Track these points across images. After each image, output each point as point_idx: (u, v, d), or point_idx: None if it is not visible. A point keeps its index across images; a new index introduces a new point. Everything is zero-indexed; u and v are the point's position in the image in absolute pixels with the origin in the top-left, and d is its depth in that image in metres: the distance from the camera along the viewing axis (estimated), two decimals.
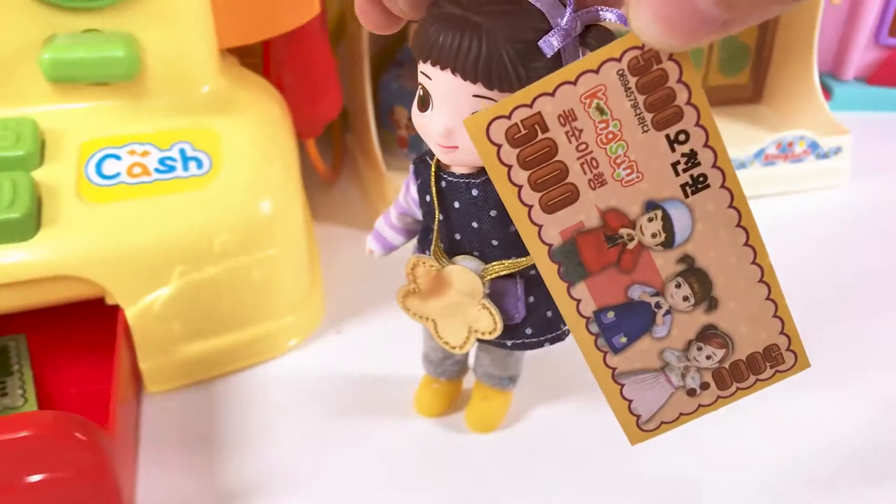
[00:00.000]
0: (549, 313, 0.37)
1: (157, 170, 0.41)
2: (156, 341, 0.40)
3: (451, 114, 0.32)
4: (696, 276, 0.32)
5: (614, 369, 0.33)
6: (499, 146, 0.29)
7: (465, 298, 0.36)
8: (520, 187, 0.30)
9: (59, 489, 0.32)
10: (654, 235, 0.31)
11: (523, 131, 0.29)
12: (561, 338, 0.38)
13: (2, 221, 0.37)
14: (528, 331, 0.37)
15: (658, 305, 0.32)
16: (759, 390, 0.35)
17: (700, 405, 0.34)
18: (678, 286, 0.32)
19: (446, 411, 0.43)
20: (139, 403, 0.42)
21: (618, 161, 0.30)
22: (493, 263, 0.35)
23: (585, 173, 0.30)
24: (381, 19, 0.32)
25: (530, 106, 0.29)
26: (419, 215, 0.37)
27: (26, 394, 0.39)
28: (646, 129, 0.30)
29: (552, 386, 0.44)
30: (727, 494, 0.39)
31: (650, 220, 0.31)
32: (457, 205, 0.34)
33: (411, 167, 0.36)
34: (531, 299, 0.36)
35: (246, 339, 0.44)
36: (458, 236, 0.35)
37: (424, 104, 0.32)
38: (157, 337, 0.41)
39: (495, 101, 0.31)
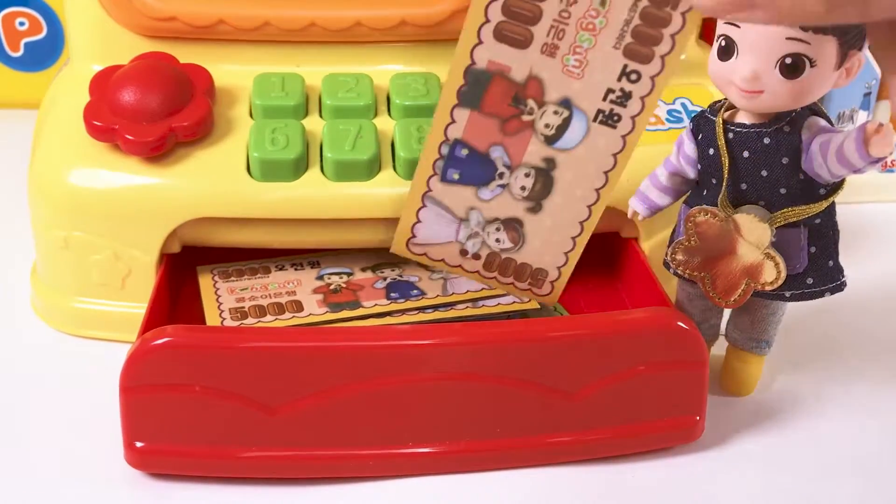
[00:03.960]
0: (831, 263, 0.38)
1: (668, 119, 0.47)
2: (659, 271, 0.45)
3: (760, 59, 0.34)
4: (544, 179, 0.34)
5: (429, 191, 0.36)
6: None
7: (750, 249, 0.37)
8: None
9: (662, 375, 0.37)
10: (547, 126, 0.33)
11: None
12: (840, 288, 0.39)
13: None
14: (809, 280, 0.38)
15: (500, 175, 0.35)
16: (505, 293, 0.39)
17: (461, 266, 0.38)
18: (527, 175, 0.34)
19: None
20: None
21: (577, 49, 0.32)
22: (780, 211, 0.37)
23: (548, 35, 0.32)
24: None
25: None
26: (691, 174, 0.39)
27: (557, 309, 0.44)
28: (617, 46, 0.31)
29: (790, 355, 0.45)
30: None
31: (555, 112, 0.33)
32: (746, 154, 0.37)
33: (688, 125, 0.39)
34: (813, 249, 0.38)
35: None
36: (744, 186, 0.37)
37: (728, 53, 0.35)
38: (660, 267, 0.45)
39: (808, 42, 0.34)
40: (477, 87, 0.33)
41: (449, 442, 0.37)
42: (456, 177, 0.36)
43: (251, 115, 0.45)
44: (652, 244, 0.46)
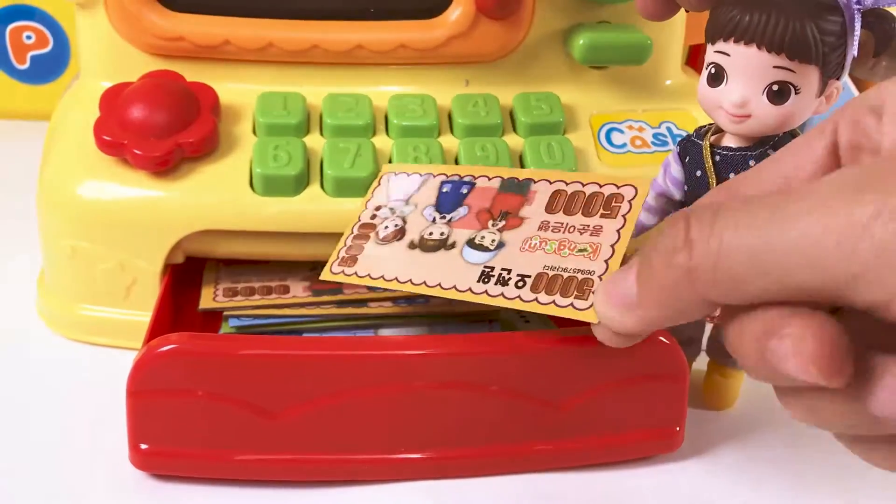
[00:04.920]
0: None
1: (653, 143, 0.48)
2: None
3: (749, 85, 0.36)
4: (438, 244, 0.40)
5: (433, 176, 0.43)
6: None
7: None
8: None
9: (644, 387, 0.39)
10: (482, 238, 0.39)
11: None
12: None
13: None
14: None
15: (443, 218, 0.41)
16: None
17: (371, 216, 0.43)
18: (442, 234, 0.40)
19: None
20: None
21: (542, 244, 0.37)
22: None
23: (555, 219, 0.38)
24: (661, 9, 0.38)
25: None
26: (677, 195, 0.41)
27: (548, 324, 0.46)
28: (548, 271, 0.36)
29: None
30: None
31: (492, 241, 0.38)
32: (732, 175, 0.38)
33: (675, 148, 0.40)
34: None
35: None
36: None
37: (717, 80, 0.37)
38: None
39: (794, 71, 0.36)
40: (512, 188, 0.40)
41: (439, 448, 0.38)
42: (445, 190, 0.42)
43: (254, 133, 0.46)
44: None
